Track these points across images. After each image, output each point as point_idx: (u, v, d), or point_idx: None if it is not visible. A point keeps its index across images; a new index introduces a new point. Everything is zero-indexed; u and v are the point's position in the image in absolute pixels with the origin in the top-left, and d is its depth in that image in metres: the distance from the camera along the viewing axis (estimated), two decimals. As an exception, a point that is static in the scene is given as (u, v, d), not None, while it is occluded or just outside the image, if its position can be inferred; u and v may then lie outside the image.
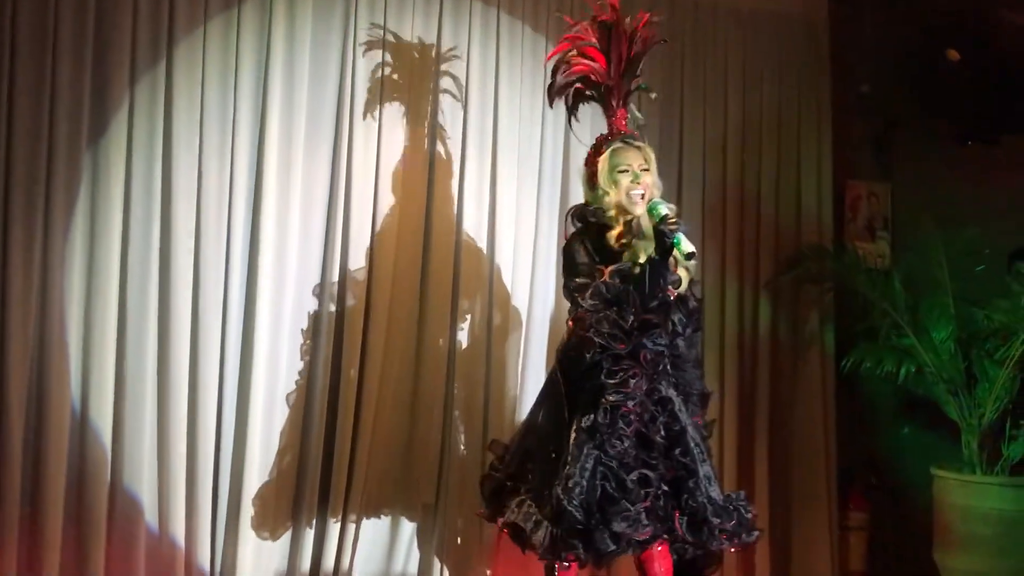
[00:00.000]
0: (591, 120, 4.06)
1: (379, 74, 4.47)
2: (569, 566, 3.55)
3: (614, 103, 3.76)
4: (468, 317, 4.60)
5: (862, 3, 5.37)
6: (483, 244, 4.61)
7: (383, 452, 4.44)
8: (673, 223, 3.44)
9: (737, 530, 3.60)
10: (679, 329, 3.60)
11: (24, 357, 3.91)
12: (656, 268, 3.46)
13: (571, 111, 3.88)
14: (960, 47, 5.09)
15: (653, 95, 4.04)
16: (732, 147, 5.11)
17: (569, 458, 3.50)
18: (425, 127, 4.55)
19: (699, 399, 3.75)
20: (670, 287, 3.52)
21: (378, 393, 4.40)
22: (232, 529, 4.24)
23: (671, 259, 3.49)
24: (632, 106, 3.85)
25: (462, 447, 4.56)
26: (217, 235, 4.22)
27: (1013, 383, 4.71)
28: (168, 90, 4.16)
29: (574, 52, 3.78)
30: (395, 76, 4.50)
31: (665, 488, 3.53)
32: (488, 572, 4.50)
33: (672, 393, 3.60)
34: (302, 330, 4.37)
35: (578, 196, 3.90)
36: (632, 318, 3.45)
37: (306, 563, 4.35)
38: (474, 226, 4.60)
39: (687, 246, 3.40)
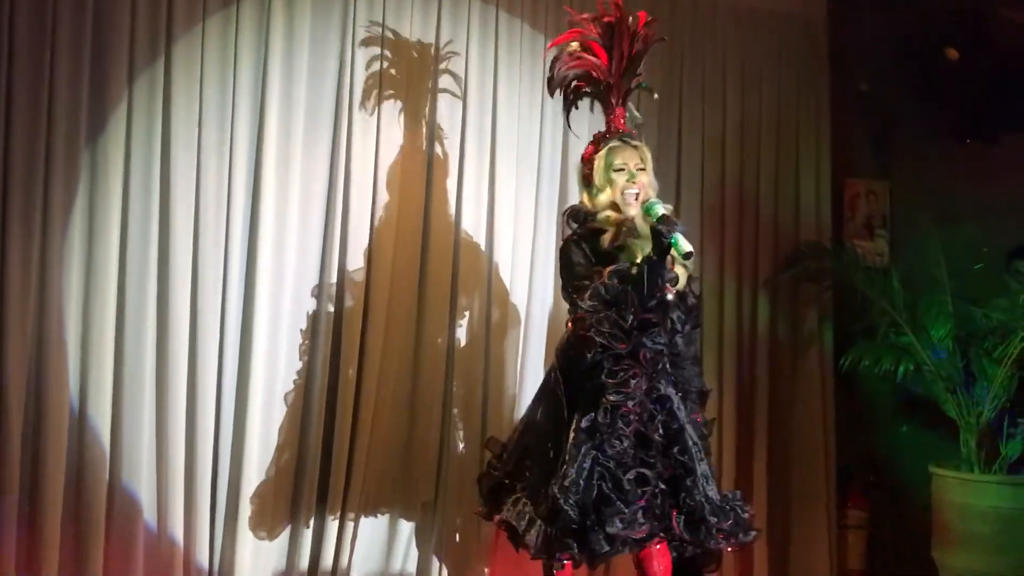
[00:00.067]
0: (589, 118, 4.06)
1: (378, 71, 4.47)
2: (563, 566, 3.55)
3: (613, 101, 3.76)
4: (467, 315, 4.60)
5: (861, 2, 5.37)
6: (482, 242, 4.61)
7: (381, 451, 4.44)
8: (670, 222, 3.45)
9: (734, 529, 3.61)
10: (678, 327, 3.61)
11: (23, 355, 3.91)
12: (654, 268, 3.46)
13: (570, 107, 3.87)
14: (959, 46, 5.09)
15: (655, 96, 4.05)
16: (731, 145, 5.11)
17: (567, 457, 3.50)
18: (424, 125, 4.55)
19: (698, 396, 3.76)
20: (668, 285, 3.52)
21: (376, 392, 4.40)
22: (231, 527, 4.24)
23: (668, 258, 3.50)
24: (631, 105, 3.85)
25: (461, 445, 4.56)
26: (216, 233, 4.22)
27: (1011, 381, 4.71)
28: (166, 88, 4.15)
29: (575, 46, 3.78)
30: (394, 72, 4.50)
31: (663, 487, 3.54)
32: (486, 570, 4.50)
33: (671, 391, 3.61)
34: (301, 330, 4.37)
35: (577, 194, 3.90)
36: (631, 318, 3.46)
37: (304, 561, 4.35)
38: (473, 224, 4.60)
39: (685, 246, 3.40)
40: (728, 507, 3.62)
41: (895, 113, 5.34)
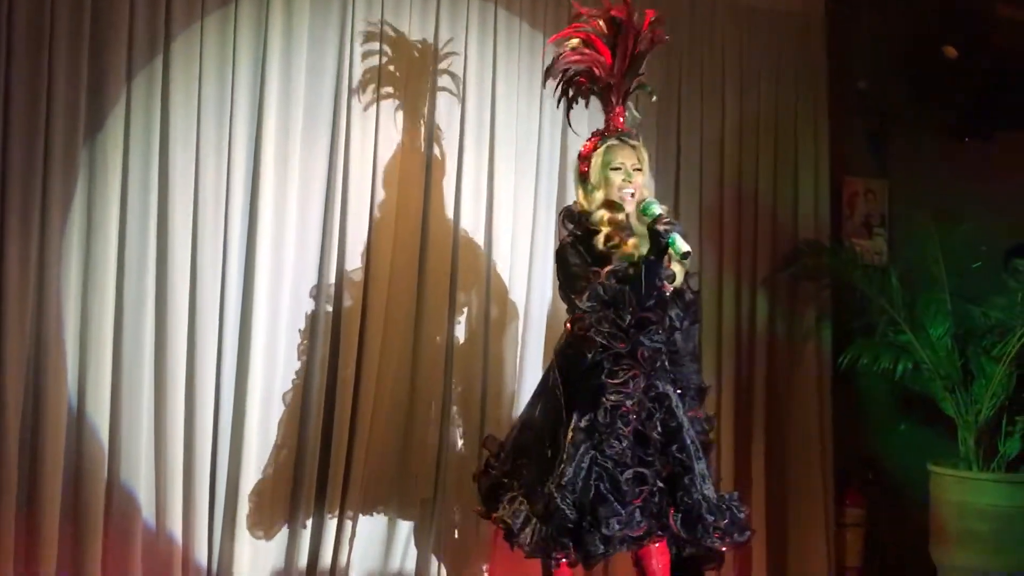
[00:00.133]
0: (589, 115, 4.06)
1: (376, 69, 4.47)
2: (558, 565, 3.55)
3: (613, 99, 3.75)
4: (465, 312, 4.59)
5: (859, 1, 5.37)
6: (480, 239, 4.60)
7: (380, 449, 4.44)
8: (667, 223, 3.45)
9: (730, 528, 3.61)
10: (676, 324, 3.61)
11: (21, 353, 3.90)
12: (651, 268, 3.46)
13: (569, 102, 3.86)
14: (957, 44, 5.09)
15: (654, 98, 4.05)
16: (729, 144, 5.11)
17: (565, 456, 3.50)
18: (422, 122, 4.54)
19: (697, 393, 3.76)
20: (665, 282, 3.52)
21: (375, 389, 4.40)
22: (229, 526, 4.24)
23: (665, 257, 3.50)
24: (630, 104, 3.84)
25: (460, 443, 4.56)
26: (214, 230, 4.22)
27: (1009, 380, 4.71)
28: (165, 85, 4.14)
29: (576, 42, 3.76)
30: (392, 69, 4.49)
31: (661, 485, 3.54)
32: (485, 568, 4.50)
33: (669, 389, 3.61)
34: (299, 330, 4.36)
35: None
36: (629, 317, 3.46)
37: (303, 559, 4.34)
38: (471, 221, 4.59)
39: (682, 246, 3.40)
40: (725, 506, 3.62)
41: (893, 111, 5.33)
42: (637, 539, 3.51)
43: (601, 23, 3.74)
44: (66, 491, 3.97)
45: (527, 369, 4.59)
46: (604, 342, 3.46)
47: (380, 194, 4.46)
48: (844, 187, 5.43)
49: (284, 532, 4.34)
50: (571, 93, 3.84)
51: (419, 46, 4.54)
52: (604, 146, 3.66)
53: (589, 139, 3.77)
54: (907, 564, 5.10)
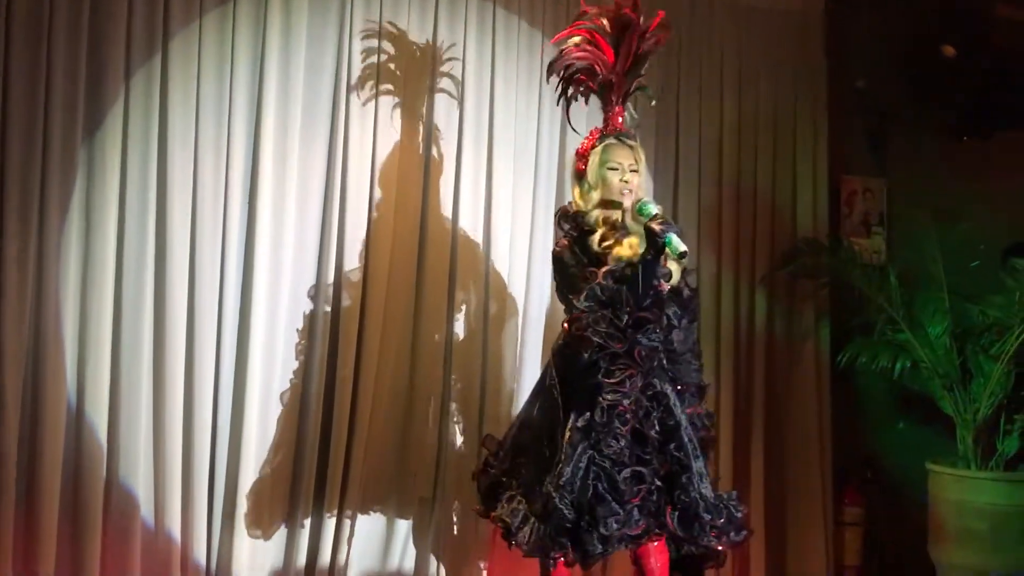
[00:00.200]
0: (588, 114, 4.06)
1: (375, 68, 4.47)
2: (555, 565, 3.55)
3: (613, 98, 3.75)
4: (464, 311, 4.59)
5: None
6: (479, 238, 4.60)
7: (379, 447, 4.44)
8: (664, 222, 3.45)
9: (727, 528, 3.61)
10: (674, 322, 3.61)
11: (20, 352, 3.90)
12: (648, 268, 3.46)
13: (569, 99, 3.86)
14: (956, 43, 5.09)
15: (653, 102, 4.05)
16: (728, 143, 5.11)
17: (563, 456, 3.50)
18: (421, 121, 4.54)
19: (696, 391, 3.76)
20: (662, 281, 3.52)
21: (374, 388, 4.40)
22: (228, 524, 4.24)
23: (662, 256, 3.50)
24: (629, 104, 3.84)
25: (459, 441, 4.56)
26: (213, 228, 4.22)
27: (1008, 378, 4.72)
28: (164, 84, 4.14)
29: (577, 39, 3.76)
30: (392, 67, 4.49)
31: (658, 483, 3.54)
32: (484, 566, 4.50)
33: (667, 388, 3.61)
34: (297, 330, 4.36)
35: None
36: (627, 317, 3.46)
37: (302, 558, 4.34)
38: (470, 220, 4.59)
39: (679, 246, 3.40)
40: (722, 505, 3.62)
41: (892, 110, 5.33)
42: (635, 538, 3.52)
43: (605, 21, 3.74)
44: (65, 489, 3.97)
45: (526, 367, 4.59)
46: (601, 342, 3.46)
47: (379, 192, 4.46)
48: (843, 186, 5.42)
49: (283, 531, 4.33)
50: (571, 91, 3.84)
51: (418, 44, 4.54)
52: (602, 145, 3.66)
53: (587, 137, 3.76)
54: (906, 563, 5.10)
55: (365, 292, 4.41)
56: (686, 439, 3.59)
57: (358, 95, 4.44)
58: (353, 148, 4.43)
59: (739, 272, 5.11)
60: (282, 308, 4.33)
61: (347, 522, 4.38)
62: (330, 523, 4.36)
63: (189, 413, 4.17)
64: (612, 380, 3.49)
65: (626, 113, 3.80)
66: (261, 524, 4.27)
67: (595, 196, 3.63)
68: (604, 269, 3.50)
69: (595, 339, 3.46)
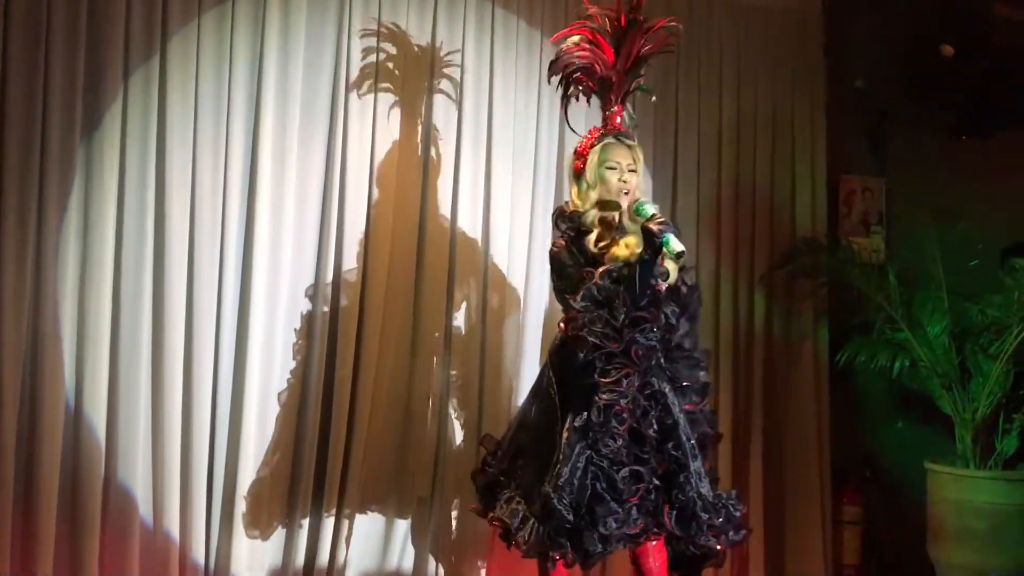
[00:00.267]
0: (586, 114, 4.05)
1: (374, 67, 4.46)
2: (554, 565, 3.55)
3: (613, 98, 3.74)
4: (463, 310, 4.59)
5: (857, -2, 5.38)
6: (478, 236, 4.60)
7: (377, 446, 4.44)
8: (661, 222, 3.45)
9: (725, 527, 3.61)
10: (672, 321, 3.60)
11: (17, 351, 3.90)
12: (645, 267, 3.46)
13: (568, 98, 3.85)
14: (955, 42, 5.09)
15: (652, 98, 4.04)
16: (727, 142, 5.11)
17: (561, 456, 3.50)
18: (420, 120, 4.54)
19: (700, 388, 3.75)
20: (659, 280, 3.52)
21: (373, 388, 4.40)
22: (226, 524, 4.23)
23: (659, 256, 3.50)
24: (628, 105, 3.84)
25: (458, 440, 4.56)
26: (212, 227, 4.22)
27: (1007, 378, 4.72)
28: (162, 83, 4.14)
29: (577, 38, 3.75)
30: (391, 67, 4.49)
31: (657, 482, 3.54)
32: (482, 565, 4.50)
33: (665, 387, 3.61)
34: (296, 329, 4.36)
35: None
36: (623, 316, 3.46)
37: (300, 558, 4.34)
38: (469, 220, 4.59)
39: (676, 246, 3.40)
40: (720, 504, 3.62)
41: (891, 110, 5.33)
42: (634, 537, 3.52)
43: (606, 20, 3.74)
44: (63, 489, 3.97)
45: (525, 366, 4.59)
46: (596, 342, 3.46)
47: (377, 191, 4.46)
48: (841, 185, 5.42)
49: (281, 530, 4.33)
50: (571, 90, 3.84)
51: (417, 43, 4.54)
52: (601, 144, 3.66)
53: (586, 135, 3.76)
54: (905, 562, 5.10)
55: (364, 292, 4.41)
56: (684, 438, 3.59)
57: (357, 94, 4.44)
58: (352, 148, 4.43)
59: (738, 271, 5.11)
60: (281, 307, 4.33)
61: (346, 522, 4.38)
62: (329, 523, 4.35)
63: (188, 412, 4.17)
64: (608, 380, 3.48)
65: (625, 114, 3.79)
66: (259, 524, 4.27)
67: (593, 195, 3.63)
68: (601, 269, 3.51)
69: (591, 339, 3.45)
